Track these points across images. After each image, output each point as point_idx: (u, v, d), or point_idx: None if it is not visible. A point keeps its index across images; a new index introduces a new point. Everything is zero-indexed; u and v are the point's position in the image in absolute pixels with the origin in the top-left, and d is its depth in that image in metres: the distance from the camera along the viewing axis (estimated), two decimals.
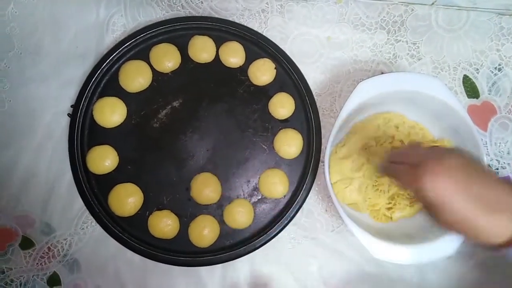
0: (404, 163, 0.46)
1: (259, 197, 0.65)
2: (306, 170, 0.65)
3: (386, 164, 0.52)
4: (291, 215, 0.64)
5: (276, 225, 0.63)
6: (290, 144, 0.65)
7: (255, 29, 0.68)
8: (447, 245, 0.57)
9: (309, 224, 0.67)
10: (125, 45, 0.66)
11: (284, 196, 0.65)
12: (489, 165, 0.68)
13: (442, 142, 0.65)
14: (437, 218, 0.43)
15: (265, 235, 0.63)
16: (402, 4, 0.70)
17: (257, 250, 0.63)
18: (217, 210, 0.64)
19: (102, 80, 0.65)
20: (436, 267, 0.66)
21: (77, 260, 0.66)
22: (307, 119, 0.66)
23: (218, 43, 0.67)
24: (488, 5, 0.69)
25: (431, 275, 0.66)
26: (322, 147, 0.65)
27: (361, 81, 0.60)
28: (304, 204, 0.64)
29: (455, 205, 0.41)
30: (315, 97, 0.66)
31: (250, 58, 0.67)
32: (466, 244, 0.56)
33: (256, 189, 0.65)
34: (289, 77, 0.67)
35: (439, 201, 0.41)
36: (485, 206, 0.40)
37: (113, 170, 0.64)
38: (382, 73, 0.69)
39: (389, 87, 0.61)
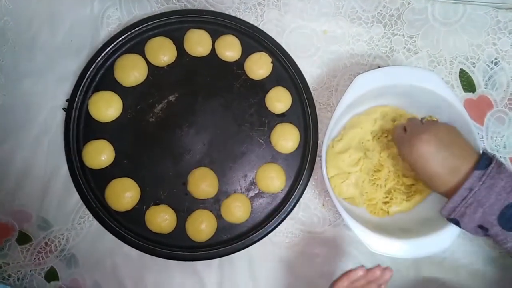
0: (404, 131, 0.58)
1: (256, 192, 0.65)
2: (303, 164, 0.65)
3: (394, 129, 0.62)
4: (288, 210, 0.64)
5: (273, 220, 0.64)
6: (287, 138, 0.65)
7: (251, 22, 0.68)
8: (443, 239, 0.58)
9: (306, 219, 0.67)
10: (120, 38, 0.65)
11: (281, 190, 0.65)
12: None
13: None
14: (416, 172, 0.55)
15: (262, 229, 0.63)
16: None
17: (254, 245, 0.63)
18: (214, 204, 0.64)
19: (97, 74, 0.65)
20: (432, 261, 0.66)
21: (74, 255, 0.66)
22: (304, 114, 0.66)
23: (214, 36, 0.67)
24: None
25: (427, 269, 0.66)
26: (319, 141, 0.65)
27: (357, 75, 0.60)
28: (301, 198, 0.64)
29: (428, 163, 0.52)
30: (311, 91, 0.66)
31: (247, 52, 0.67)
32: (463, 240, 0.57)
33: (253, 183, 0.65)
34: (286, 71, 0.67)
35: (419, 159, 0.53)
36: (447, 169, 0.51)
37: (110, 165, 0.64)
38: (379, 67, 0.69)
39: (385, 81, 0.61)
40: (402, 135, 0.57)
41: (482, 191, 0.49)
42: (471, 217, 0.50)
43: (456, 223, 0.52)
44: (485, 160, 0.50)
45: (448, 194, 0.52)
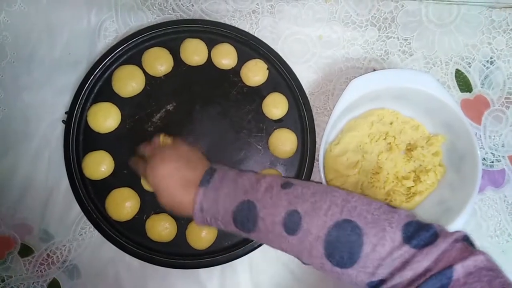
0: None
1: None
2: (301, 169, 0.65)
3: (134, 161, 0.61)
4: None
5: None
6: (284, 143, 0.65)
7: (246, 30, 0.68)
8: None
9: None
10: (117, 50, 0.66)
11: None
12: (484, 159, 0.68)
13: (437, 137, 0.65)
14: (161, 202, 0.53)
15: None
16: (392, 1, 0.70)
17: (255, 251, 0.63)
18: None
19: (95, 86, 0.66)
20: None
21: (76, 266, 0.66)
22: (301, 118, 0.66)
23: (210, 45, 0.67)
24: None
25: None
26: (316, 145, 0.66)
27: (353, 79, 0.61)
28: None
29: (166, 184, 0.51)
30: (308, 96, 0.67)
31: (242, 59, 0.67)
32: None
33: None
34: (282, 77, 0.67)
35: (158, 186, 0.52)
36: (180, 190, 0.50)
37: (109, 175, 0.64)
38: (374, 70, 0.69)
39: (381, 84, 0.61)
40: (143, 164, 0.56)
41: (212, 206, 0.49)
42: (223, 229, 0.50)
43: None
44: (207, 175, 0.50)
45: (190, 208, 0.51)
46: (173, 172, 0.51)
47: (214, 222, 0.50)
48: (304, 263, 0.49)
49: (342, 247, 0.43)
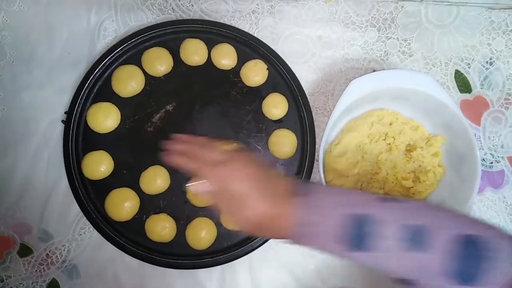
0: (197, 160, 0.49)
1: None
2: (301, 169, 0.65)
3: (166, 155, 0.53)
4: None
5: None
6: (284, 144, 0.65)
7: (246, 30, 0.68)
8: None
9: None
10: (117, 50, 0.66)
11: None
12: (483, 159, 0.69)
13: (436, 138, 0.65)
14: (238, 217, 0.45)
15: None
16: (392, 1, 0.70)
17: (254, 251, 0.63)
18: (213, 212, 0.64)
19: (95, 85, 0.66)
20: None
21: (75, 266, 0.66)
22: (301, 119, 0.66)
23: (210, 45, 0.67)
24: (477, 0, 0.69)
25: None
26: (316, 146, 0.66)
27: (353, 79, 0.61)
28: None
29: (252, 197, 0.44)
30: (308, 97, 0.67)
31: (242, 60, 0.67)
32: None
33: None
34: (282, 77, 0.67)
35: (240, 195, 0.44)
36: (270, 198, 0.44)
37: (109, 175, 0.64)
38: (374, 70, 0.69)
39: (381, 85, 0.61)
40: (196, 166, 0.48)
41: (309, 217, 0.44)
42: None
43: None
44: (300, 187, 0.46)
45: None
46: (254, 185, 0.45)
47: (310, 239, 0.44)
48: (409, 282, 0.43)
49: (471, 262, 0.39)
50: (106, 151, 0.65)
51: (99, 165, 0.64)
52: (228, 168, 0.46)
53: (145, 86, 0.66)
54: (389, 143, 0.66)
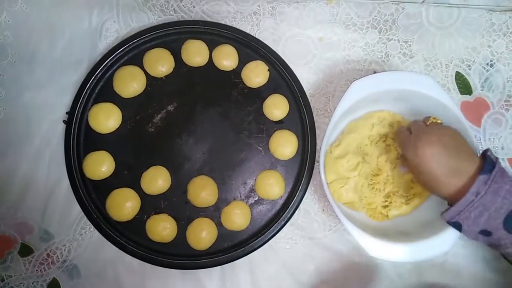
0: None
1: (256, 199, 0.65)
2: (302, 170, 0.65)
3: (398, 130, 0.62)
4: (288, 216, 0.64)
5: (274, 226, 0.64)
6: (285, 145, 0.65)
7: (247, 31, 0.68)
8: (443, 242, 0.58)
9: (306, 224, 0.68)
10: (119, 51, 0.66)
11: (281, 197, 0.65)
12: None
13: None
14: (416, 177, 0.56)
15: (262, 236, 0.64)
16: (393, 3, 0.70)
17: (255, 251, 0.63)
18: (214, 212, 0.65)
19: (96, 86, 0.66)
20: (433, 264, 0.66)
21: (76, 265, 0.66)
22: (302, 120, 0.66)
23: (211, 46, 0.67)
24: (478, 2, 0.69)
25: (428, 272, 0.66)
26: (317, 147, 0.66)
27: (354, 81, 0.61)
28: (301, 204, 0.65)
29: (432, 165, 0.52)
30: (308, 98, 0.67)
31: (243, 61, 0.67)
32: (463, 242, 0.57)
33: (252, 190, 0.65)
34: (283, 78, 0.67)
35: (423, 161, 0.52)
36: (450, 172, 0.51)
37: (110, 176, 0.64)
38: (375, 72, 0.70)
39: (381, 86, 0.61)
40: (407, 137, 0.57)
41: (488, 196, 0.49)
42: (476, 221, 0.50)
43: (458, 226, 0.52)
44: (489, 165, 0.51)
45: (451, 198, 0.52)
46: (440, 158, 0.52)
47: (477, 217, 0.50)
48: None
49: None
50: (107, 151, 0.65)
51: (100, 165, 0.64)
52: (415, 142, 0.54)
53: (146, 86, 0.66)
54: (389, 144, 0.66)
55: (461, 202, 0.50)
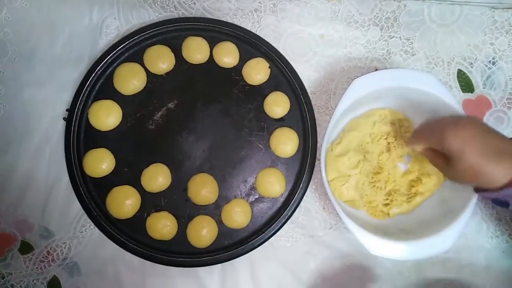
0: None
1: (256, 197, 0.65)
2: (303, 168, 0.65)
3: (421, 125, 0.59)
4: (289, 214, 0.64)
5: (274, 224, 0.64)
6: (286, 142, 0.65)
7: (248, 28, 0.68)
8: (444, 240, 0.58)
9: (306, 222, 0.67)
10: (119, 47, 0.66)
11: (281, 194, 0.65)
12: None
13: None
14: (452, 168, 0.51)
15: (263, 234, 0.63)
16: (394, 0, 0.70)
17: (255, 249, 0.63)
18: (214, 210, 0.64)
19: (96, 83, 0.66)
20: (434, 262, 0.66)
21: (76, 263, 0.66)
22: (303, 117, 0.66)
23: (212, 43, 0.67)
24: None
25: (430, 270, 0.66)
26: (318, 145, 0.65)
27: (355, 78, 0.60)
28: (302, 202, 0.64)
29: (467, 154, 0.49)
30: (310, 95, 0.66)
31: (244, 58, 0.67)
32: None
33: (253, 188, 0.65)
34: (284, 75, 0.67)
35: (457, 150, 0.49)
36: (491, 157, 0.48)
37: (110, 173, 0.64)
38: (376, 69, 0.69)
39: (383, 84, 0.61)
40: (437, 124, 0.55)
41: None
42: None
43: (503, 203, 0.51)
44: None
45: (498, 183, 0.49)
46: (481, 136, 0.49)
47: None
48: None
49: None
50: (108, 148, 0.65)
51: (100, 162, 0.64)
52: (453, 120, 0.53)
53: (147, 84, 0.66)
54: (390, 142, 0.66)
55: (501, 194, 0.49)
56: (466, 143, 0.49)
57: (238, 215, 0.63)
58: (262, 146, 0.66)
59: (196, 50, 0.67)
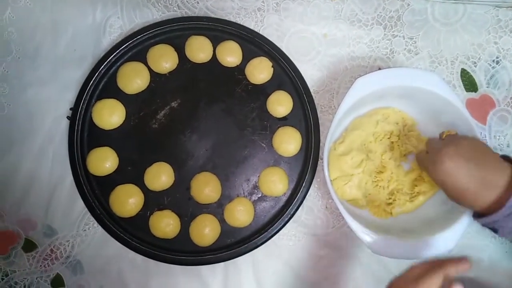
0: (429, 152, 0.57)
1: (259, 195, 0.65)
2: (306, 167, 0.65)
3: (418, 155, 0.62)
4: (291, 213, 0.64)
5: (277, 223, 0.64)
6: (289, 141, 0.65)
7: (252, 27, 0.68)
8: (448, 239, 0.57)
9: (309, 221, 0.67)
10: (122, 47, 0.66)
11: (284, 193, 0.65)
12: None
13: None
14: (446, 191, 0.53)
15: (266, 233, 0.63)
16: None
17: (258, 248, 0.63)
18: (217, 209, 0.64)
19: (100, 82, 0.66)
20: None
21: (80, 261, 0.66)
22: (305, 117, 0.66)
23: (215, 42, 0.67)
24: None
25: None
26: (320, 144, 0.65)
27: (358, 77, 0.60)
28: (304, 201, 0.64)
29: (456, 179, 0.50)
30: (313, 94, 0.66)
31: (247, 57, 0.67)
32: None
33: (256, 187, 0.65)
34: (287, 75, 0.67)
35: (446, 177, 0.51)
36: (477, 183, 0.50)
37: (114, 172, 0.64)
38: (380, 68, 0.69)
39: (386, 83, 0.61)
40: (425, 157, 0.57)
41: None
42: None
43: (493, 230, 0.52)
44: None
45: (485, 210, 0.51)
46: (462, 170, 0.50)
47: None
48: None
49: None
50: (111, 147, 0.65)
51: (103, 161, 0.64)
52: (432, 158, 0.53)
53: (150, 83, 0.66)
54: (393, 141, 0.66)
55: (499, 214, 0.49)
56: (446, 180, 0.51)
57: (240, 214, 0.63)
58: (265, 145, 0.66)
59: (199, 49, 0.67)
